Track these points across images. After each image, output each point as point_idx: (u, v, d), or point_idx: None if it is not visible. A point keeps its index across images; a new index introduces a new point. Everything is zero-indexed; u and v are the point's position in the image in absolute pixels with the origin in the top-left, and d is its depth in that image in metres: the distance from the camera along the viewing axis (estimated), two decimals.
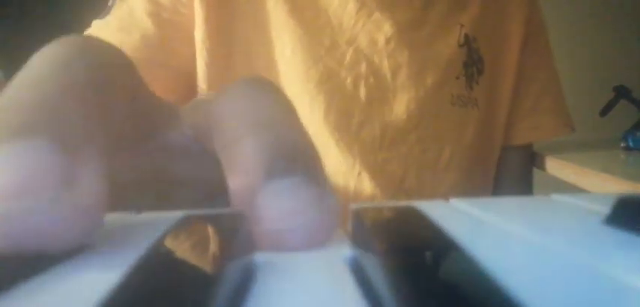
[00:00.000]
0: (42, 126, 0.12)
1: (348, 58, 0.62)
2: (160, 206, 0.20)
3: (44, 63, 0.15)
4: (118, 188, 0.14)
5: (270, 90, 0.18)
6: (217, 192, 0.20)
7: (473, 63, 0.66)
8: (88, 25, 0.62)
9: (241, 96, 0.18)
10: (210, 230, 0.13)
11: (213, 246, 0.11)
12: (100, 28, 0.61)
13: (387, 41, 0.62)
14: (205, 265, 0.10)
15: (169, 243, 0.11)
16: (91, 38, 0.17)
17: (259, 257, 0.12)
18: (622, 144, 0.88)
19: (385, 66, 0.62)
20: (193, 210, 0.16)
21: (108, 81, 0.16)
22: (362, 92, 0.62)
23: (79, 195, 0.12)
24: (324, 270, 0.12)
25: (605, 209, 0.14)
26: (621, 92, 1.04)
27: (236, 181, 0.15)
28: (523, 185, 0.74)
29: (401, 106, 0.62)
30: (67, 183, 0.12)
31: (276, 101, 0.18)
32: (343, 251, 0.13)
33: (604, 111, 1.07)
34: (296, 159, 0.15)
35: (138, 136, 0.19)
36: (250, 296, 0.10)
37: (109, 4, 0.63)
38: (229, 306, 0.09)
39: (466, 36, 0.66)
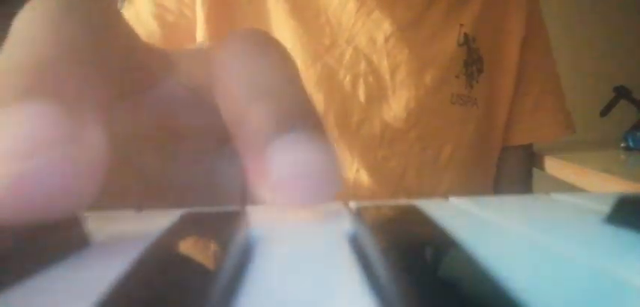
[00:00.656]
0: (40, 87, 0.12)
1: (347, 56, 0.62)
2: (166, 161, 0.20)
3: (32, 20, 0.15)
4: (120, 144, 0.14)
5: (270, 45, 0.18)
6: (222, 140, 0.20)
7: (473, 62, 0.66)
8: None
9: (243, 53, 0.18)
10: (210, 227, 0.13)
11: (212, 243, 0.11)
12: None
13: (386, 40, 0.62)
14: (205, 261, 0.10)
15: (169, 240, 0.11)
16: None
17: (259, 231, 0.13)
18: (622, 144, 0.88)
19: (384, 65, 0.62)
20: (200, 161, 0.16)
21: (100, 32, 0.16)
22: (361, 91, 0.62)
23: (83, 153, 0.12)
24: (324, 245, 0.12)
25: (605, 208, 0.14)
26: (621, 92, 1.04)
27: (244, 137, 0.15)
28: (522, 185, 0.74)
29: (400, 105, 0.62)
30: (71, 142, 0.12)
31: (277, 57, 0.18)
32: (344, 227, 0.13)
33: (604, 112, 1.07)
34: (302, 115, 0.15)
35: (135, 87, 0.19)
36: (249, 272, 0.10)
37: (118, 7, 0.64)
38: (228, 295, 0.09)
39: (466, 35, 0.66)
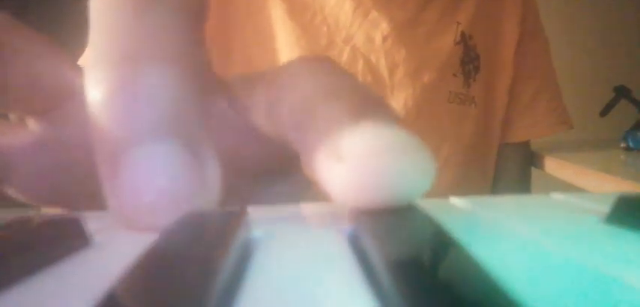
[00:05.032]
0: (172, 127, 0.14)
1: (345, 56, 0.62)
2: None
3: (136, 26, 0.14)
4: None
5: (330, 60, 0.18)
6: (258, 171, 0.20)
7: (470, 60, 0.66)
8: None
9: (304, 62, 0.18)
10: (210, 227, 0.13)
11: (213, 243, 0.11)
12: None
13: (384, 39, 0.63)
14: (205, 262, 0.10)
15: (170, 240, 0.11)
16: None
17: (259, 231, 0.13)
18: (622, 144, 0.88)
19: (382, 64, 0.63)
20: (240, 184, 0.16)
21: (203, 52, 0.16)
22: None
23: (204, 196, 0.14)
24: (323, 245, 0.12)
25: (605, 208, 0.14)
26: (621, 92, 1.04)
27: (321, 130, 0.14)
28: (521, 182, 0.75)
29: (398, 104, 0.63)
30: (199, 189, 0.14)
31: (339, 68, 0.17)
32: (343, 227, 0.13)
33: (604, 112, 1.07)
34: (380, 106, 0.15)
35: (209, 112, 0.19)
36: (249, 272, 0.10)
37: None
38: (228, 295, 0.09)
39: (462, 34, 0.66)
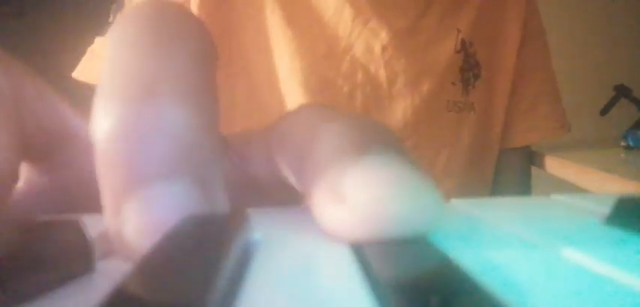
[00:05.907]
0: (183, 165, 0.13)
1: (344, 66, 0.62)
2: None
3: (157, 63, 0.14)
4: None
5: (335, 109, 0.17)
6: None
7: (469, 68, 0.66)
8: (88, 40, 0.62)
9: (308, 111, 0.17)
10: (211, 230, 0.13)
11: (213, 246, 0.11)
12: (102, 45, 0.61)
13: (384, 49, 0.62)
14: (206, 264, 0.10)
15: (170, 243, 0.11)
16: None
17: (259, 234, 0.13)
18: (622, 143, 0.88)
19: (382, 74, 0.62)
20: None
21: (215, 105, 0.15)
22: (358, 100, 0.62)
23: None
24: (324, 249, 0.12)
25: (605, 209, 0.14)
26: (621, 91, 1.04)
27: (313, 164, 0.14)
28: (521, 187, 0.74)
29: (397, 114, 0.62)
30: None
31: (345, 112, 0.17)
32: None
33: (604, 110, 1.07)
34: (385, 140, 0.14)
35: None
36: (249, 275, 0.10)
37: (110, 20, 0.63)
38: (228, 297, 0.09)
39: (463, 41, 0.65)
